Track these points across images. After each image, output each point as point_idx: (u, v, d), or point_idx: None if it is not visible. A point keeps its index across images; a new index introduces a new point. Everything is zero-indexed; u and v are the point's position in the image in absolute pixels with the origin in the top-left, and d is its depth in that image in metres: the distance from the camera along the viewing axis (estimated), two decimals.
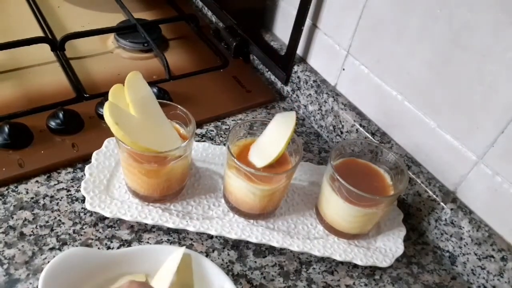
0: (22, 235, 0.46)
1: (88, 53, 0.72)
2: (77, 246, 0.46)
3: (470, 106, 0.47)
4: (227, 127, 0.65)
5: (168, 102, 0.50)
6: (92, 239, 0.47)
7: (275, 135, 0.49)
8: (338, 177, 0.46)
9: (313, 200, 0.55)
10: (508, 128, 0.44)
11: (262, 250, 0.50)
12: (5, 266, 0.43)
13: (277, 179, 0.47)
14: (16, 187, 0.51)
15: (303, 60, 0.70)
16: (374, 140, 0.58)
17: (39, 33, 0.73)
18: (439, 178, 0.53)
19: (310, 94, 0.67)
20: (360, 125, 0.60)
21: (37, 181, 0.52)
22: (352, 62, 0.60)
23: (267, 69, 0.76)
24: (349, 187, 0.45)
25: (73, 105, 0.60)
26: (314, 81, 0.66)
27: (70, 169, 0.54)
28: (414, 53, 0.51)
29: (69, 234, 0.47)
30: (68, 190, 0.52)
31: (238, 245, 0.50)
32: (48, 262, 0.39)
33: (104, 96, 0.58)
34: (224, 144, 0.61)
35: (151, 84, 0.60)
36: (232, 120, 0.66)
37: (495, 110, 0.45)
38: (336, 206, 0.49)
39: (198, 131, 0.63)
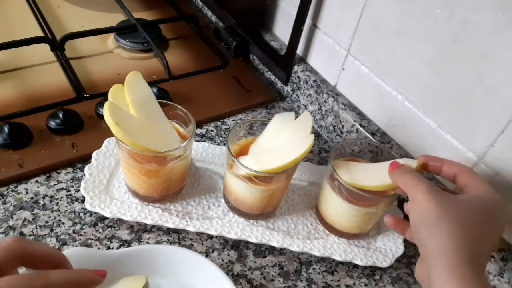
0: (22, 235, 0.46)
1: (88, 53, 0.72)
2: (77, 246, 0.46)
3: (470, 106, 0.47)
4: (227, 127, 0.65)
5: (168, 102, 0.50)
6: (92, 239, 0.47)
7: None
8: (338, 176, 0.46)
9: (313, 200, 0.55)
10: (508, 128, 0.44)
11: (262, 250, 0.50)
12: None
13: (277, 179, 0.47)
14: (16, 187, 0.51)
15: (303, 60, 0.69)
16: (374, 140, 0.58)
17: (39, 33, 0.73)
18: (439, 178, 0.53)
19: (310, 94, 0.67)
20: (360, 125, 0.60)
21: (37, 181, 0.52)
22: (352, 62, 0.60)
23: (267, 69, 0.75)
24: (349, 186, 0.45)
25: (73, 105, 0.60)
26: (314, 81, 0.66)
27: (70, 169, 0.54)
28: (414, 53, 0.51)
29: (69, 234, 0.47)
30: (68, 190, 0.52)
31: (238, 245, 0.50)
32: None
33: (104, 96, 0.58)
34: (224, 144, 0.61)
35: (151, 84, 0.60)
36: (232, 120, 0.66)
37: (495, 110, 0.45)
38: (336, 206, 0.49)
39: (198, 131, 0.63)
